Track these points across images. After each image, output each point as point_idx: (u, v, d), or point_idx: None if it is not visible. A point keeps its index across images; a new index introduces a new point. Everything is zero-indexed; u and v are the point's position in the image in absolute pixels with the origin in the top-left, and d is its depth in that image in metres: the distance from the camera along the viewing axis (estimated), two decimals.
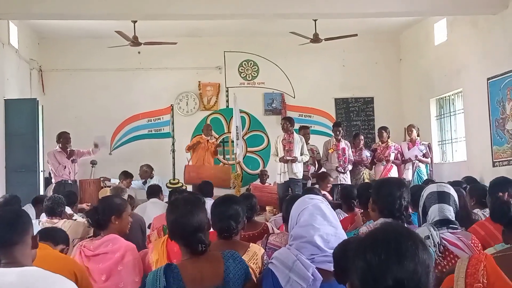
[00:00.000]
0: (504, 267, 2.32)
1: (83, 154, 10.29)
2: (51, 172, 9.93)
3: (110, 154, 12.31)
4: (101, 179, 10.70)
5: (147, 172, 11.12)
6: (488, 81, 9.93)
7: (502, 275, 2.28)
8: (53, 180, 9.81)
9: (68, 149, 9.86)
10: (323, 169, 10.46)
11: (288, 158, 9.50)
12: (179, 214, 2.77)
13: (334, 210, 5.69)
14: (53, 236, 3.91)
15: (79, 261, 3.57)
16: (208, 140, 11.03)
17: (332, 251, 2.63)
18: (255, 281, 2.85)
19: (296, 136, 9.77)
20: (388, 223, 2.86)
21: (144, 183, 10.77)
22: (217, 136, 12.53)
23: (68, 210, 6.67)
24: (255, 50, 12.90)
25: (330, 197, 8.38)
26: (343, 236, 2.74)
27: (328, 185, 9.17)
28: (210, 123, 12.28)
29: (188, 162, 11.03)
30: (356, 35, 11.29)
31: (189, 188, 10.60)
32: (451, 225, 3.11)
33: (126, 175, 10.45)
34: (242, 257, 3.23)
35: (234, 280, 2.65)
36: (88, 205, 8.19)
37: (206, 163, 10.91)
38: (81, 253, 3.68)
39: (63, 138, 9.89)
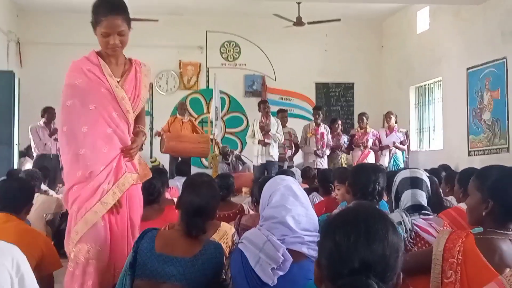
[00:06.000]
0: (484, 250, 2.27)
1: None
2: (32, 146, 9.77)
3: None
4: None
5: None
6: (468, 71, 10.00)
7: (479, 255, 2.25)
8: (34, 154, 9.66)
9: (53, 126, 9.68)
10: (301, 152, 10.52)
11: (267, 141, 9.61)
12: (189, 193, 2.87)
13: (311, 193, 5.71)
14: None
15: None
16: (182, 120, 10.64)
17: (303, 232, 2.63)
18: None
19: (272, 119, 9.90)
20: (360, 203, 2.86)
21: None
22: (196, 116, 12.45)
23: (42, 186, 6.61)
24: (238, 31, 12.81)
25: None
26: (314, 216, 2.73)
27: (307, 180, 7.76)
28: (190, 103, 12.16)
29: (162, 135, 10.30)
30: (339, 20, 11.26)
31: (166, 158, 10.57)
32: (423, 211, 3.12)
33: None
34: (213, 237, 3.23)
35: (206, 262, 2.68)
36: None
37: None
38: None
39: (48, 114, 9.69)
